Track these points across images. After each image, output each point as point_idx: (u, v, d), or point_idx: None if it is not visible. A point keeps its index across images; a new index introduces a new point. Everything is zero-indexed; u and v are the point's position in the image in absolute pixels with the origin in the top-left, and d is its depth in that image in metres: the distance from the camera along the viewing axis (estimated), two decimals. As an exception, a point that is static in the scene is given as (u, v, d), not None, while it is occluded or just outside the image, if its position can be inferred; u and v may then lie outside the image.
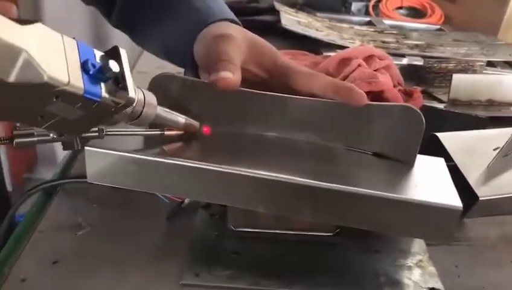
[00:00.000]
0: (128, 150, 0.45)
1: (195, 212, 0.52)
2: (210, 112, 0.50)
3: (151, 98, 0.42)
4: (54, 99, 0.33)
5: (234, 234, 0.50)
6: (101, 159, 0.45)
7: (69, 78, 0.32)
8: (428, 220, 0.43)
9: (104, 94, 0.35)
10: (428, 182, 0.47)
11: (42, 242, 0.48)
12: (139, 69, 0.92)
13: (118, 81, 0.36)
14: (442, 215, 0.42)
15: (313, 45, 1.00)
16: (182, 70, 0.76)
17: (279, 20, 1.07)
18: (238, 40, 0.51)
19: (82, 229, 0.50)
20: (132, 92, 0.37)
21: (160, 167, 0.44)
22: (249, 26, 0.55)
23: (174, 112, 0.46)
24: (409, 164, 0.49)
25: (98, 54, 0.36)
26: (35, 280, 0.44)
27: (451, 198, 0.43)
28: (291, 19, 1.08)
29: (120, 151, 0.44)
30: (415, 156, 0.49)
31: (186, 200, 0.51)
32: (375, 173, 0.49)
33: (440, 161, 0.51)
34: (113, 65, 0.35)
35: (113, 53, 0.37)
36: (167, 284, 0.44)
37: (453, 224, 0.43)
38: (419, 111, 0.47)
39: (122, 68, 0.36)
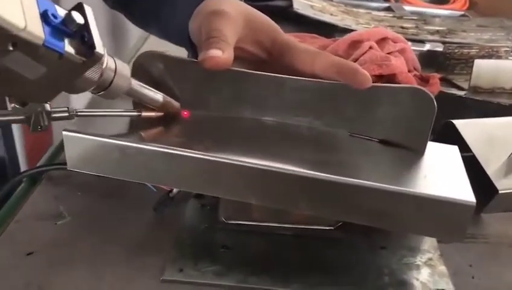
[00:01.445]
0: (110, 135, 0.41)
1: (185, 202, 0.48)
2: (201, 94, 0.47)
3: (124, 68, 0.39)
4: (10, 48, 0.30)
5: (225, 226, 0.46)
6: (80, 145, 0.41)
7: (26, 23, 0.29)
8: (437, 216, 0.38)
9: (68, 47, 0.32)
10: (439, 173, 0.42)
11: (18, 232, 0.45)
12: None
13: (84, 38, 0.33)
14: (453, 212, 0.38)
15: (328, 30, 0.94)
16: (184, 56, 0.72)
17: (291, 5, 1.02)
18: (233, 16, 0.46)
19: (62, 218, 0.47)
20: (100, 48, 0.34)
21: (143, 154, 0.40)
22: (262, 11, 0.50)
23: (152, 89, 0.43)
24: (419, 152, 0.44)
25: (61, 10, 0.33)
26: (5, 272, 0.41)
27: (464, 192, 0.39)
28: (304, 3, 1.03)
29: (101, 137, 0.41)
30: (426, 143, 0.44)
31: (175, 190, 0.47)
32: (381, 162, 0.44)
33: (453, 149, 0.46)
34: (77, 16, 0.32)
35: (77, 9, 0.33)
36: (146, 280, 0.41)
37: (465, 221, 0.38)
38: (430, 93, 0.43)
39: (87, 22, 0.33)
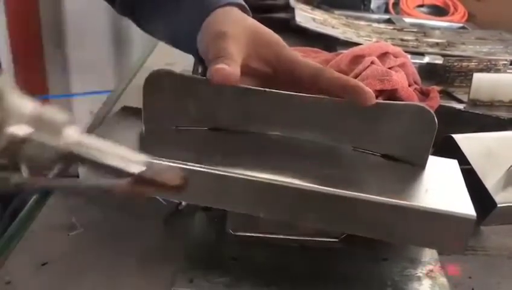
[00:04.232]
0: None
1: (193, 214, 0.50)
2: (209, 110, 0.48)
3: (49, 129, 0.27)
4: None
5: (233, 238, 0.48)
6: None
7: None
8: (439, 229, 0.40)
9: None
10: (440, 187, 0.44)
11: (33, 243, 0.47)
12: (148, 65, 0.90)
13: None
14: (454, 225, 0.39)
15: (329, 43, 0.97)
16: (190, 68, 0.74)
17: (294, 18, 1.04)
18: (237, 36, 0.48)
19: (75, 229, 0.48)
20: None
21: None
22: (264, 23, 0.52)
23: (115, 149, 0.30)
24: (420, 167, 0.46)
25: None
26: (21, 282, 0.42)
27: (465, 206, 0.40)
28: (306, 16, 1.05)
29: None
30: (427, 158, 0.46)
31: (184, 202, 0.49)
32: (384, 177, 0.46)
33: (453, 163, 0.48)
34: None
35: None
36: (158, 290, 0.42)
37: (465, 234, 0.40)
38: (431, 111, 0.44)
39: None
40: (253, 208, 0.42)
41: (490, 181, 0.53)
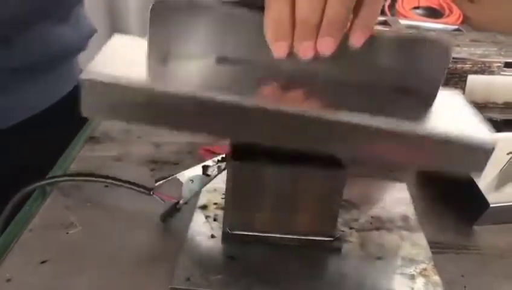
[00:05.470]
0: (132, 78, 0.39)
1: (190, 213, 0.51)
2: (219, 39, 0.45)
3: None
4: None
5: (230, 237, 0.48)
6: (100, 90, 0.38)
7: None
8: (458, 153, 0.41)
9: None
10: (454, 115, 0.45)
11: (32, 241, 0.47)
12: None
13: None
14: (474, 149, 0.40)
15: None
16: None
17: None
18: None
19: (74, 228, 0.49)
20: None
21: (164, 98, 0.38)
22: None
23: None
24: (431, 99, 0.46)
25: None
26: (21, 280, 0.43)
27: (482, 131, 0.42)
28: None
29: (126, 82, 0.38)
30: (437, 90, 0.46)
31: (182, 201, 0.50)
32: (399, 108, 0.45)
33: (457, 93, 0.49)
34: None
35: None
36: (156, 288, 0.43)
37: (486, 157, 0.41)
38: (445, 43, 0.45)
39: None
40: (262, 137, 0.40)
41: (483, 181, 0.54)
